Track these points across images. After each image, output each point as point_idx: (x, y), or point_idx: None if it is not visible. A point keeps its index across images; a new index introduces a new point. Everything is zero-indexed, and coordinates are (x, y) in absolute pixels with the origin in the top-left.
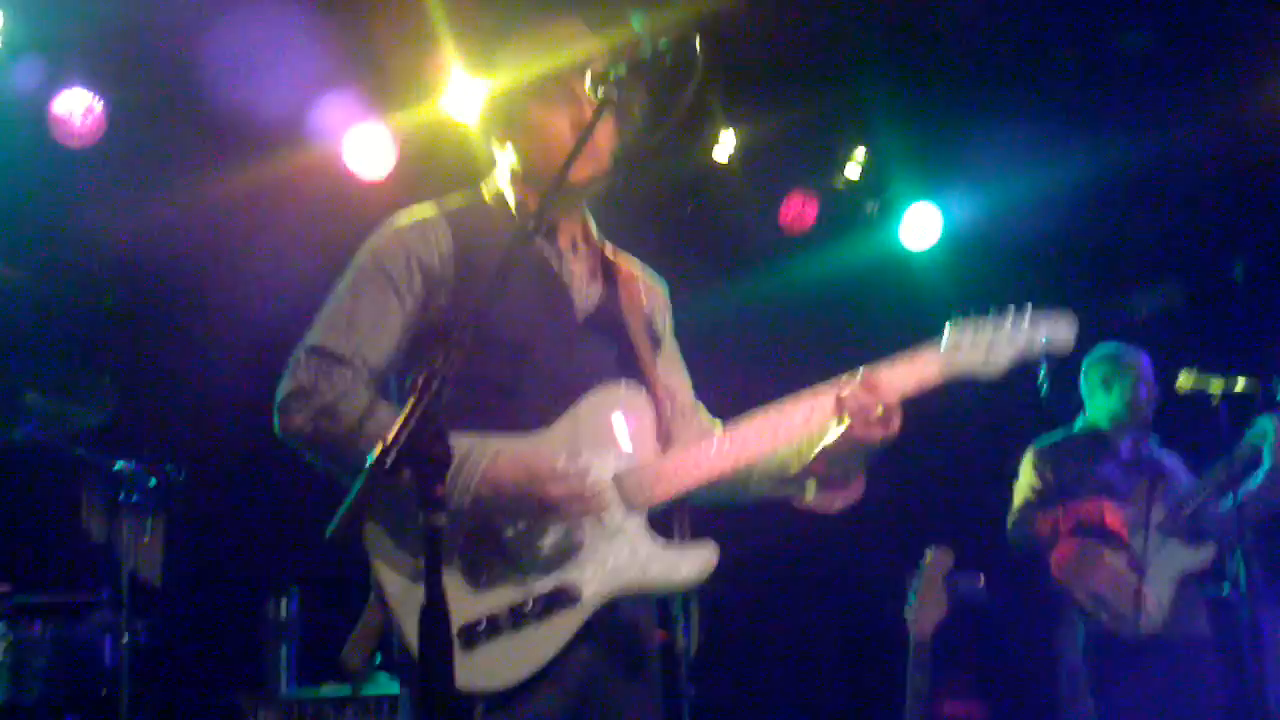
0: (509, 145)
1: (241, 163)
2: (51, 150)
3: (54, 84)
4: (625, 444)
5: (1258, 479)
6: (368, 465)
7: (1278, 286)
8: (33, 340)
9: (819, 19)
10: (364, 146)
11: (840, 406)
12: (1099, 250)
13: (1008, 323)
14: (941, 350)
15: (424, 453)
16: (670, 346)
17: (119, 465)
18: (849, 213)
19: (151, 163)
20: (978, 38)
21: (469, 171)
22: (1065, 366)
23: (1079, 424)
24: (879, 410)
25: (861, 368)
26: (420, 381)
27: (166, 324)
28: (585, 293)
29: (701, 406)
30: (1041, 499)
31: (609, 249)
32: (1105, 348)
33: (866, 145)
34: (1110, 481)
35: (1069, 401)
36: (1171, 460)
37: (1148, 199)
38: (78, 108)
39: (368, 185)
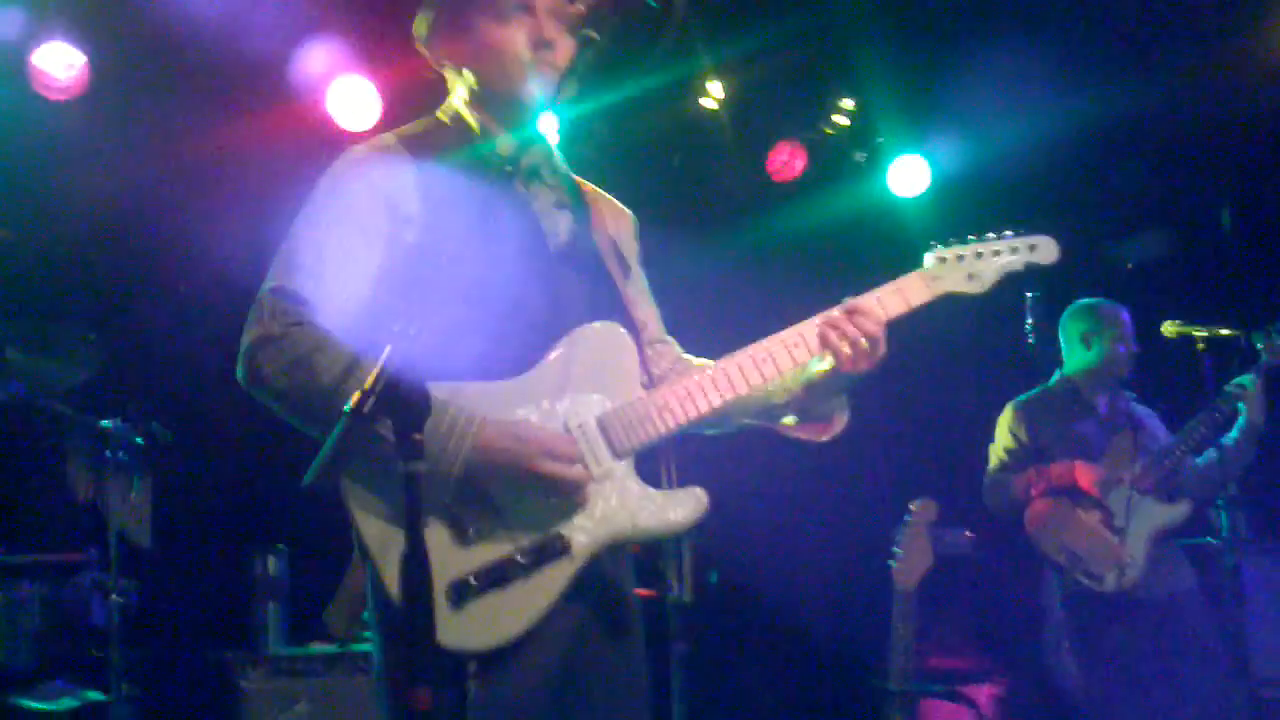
0: (465, 68)
1: (224, 116)
2: (33, 103)
3: (34, 36)
4: (608, 385)
5: (1234, 434)
6: (345, 412)
7: (1265, 235)
8: (14, 297)
9: None
10: (348, 97)
11: (825, 337)
12: (1085, 199)
13: (990, 242)
14: (924, 271)
15: (402, 400)
16: (638, 276)
17: (105, 423)
18: (837, 161)
19: (134, 117)
20: None
21: None
22: (1051, 316)
23: (1055, 379)
24: (863, 340)
25: (846, 298)
26: (397, 329)
27: (150, 280)
28: (556, 223)
29: (673, 340)
30: (1016, 459)
31: (576, 178)
32: (1085, 302)
33: (854, 94)
34: (1086, 438)
35: (1056, 352)
36: (1148, 416)
37: (1135, 147)
38: (59, 61)
39: (352, 137)
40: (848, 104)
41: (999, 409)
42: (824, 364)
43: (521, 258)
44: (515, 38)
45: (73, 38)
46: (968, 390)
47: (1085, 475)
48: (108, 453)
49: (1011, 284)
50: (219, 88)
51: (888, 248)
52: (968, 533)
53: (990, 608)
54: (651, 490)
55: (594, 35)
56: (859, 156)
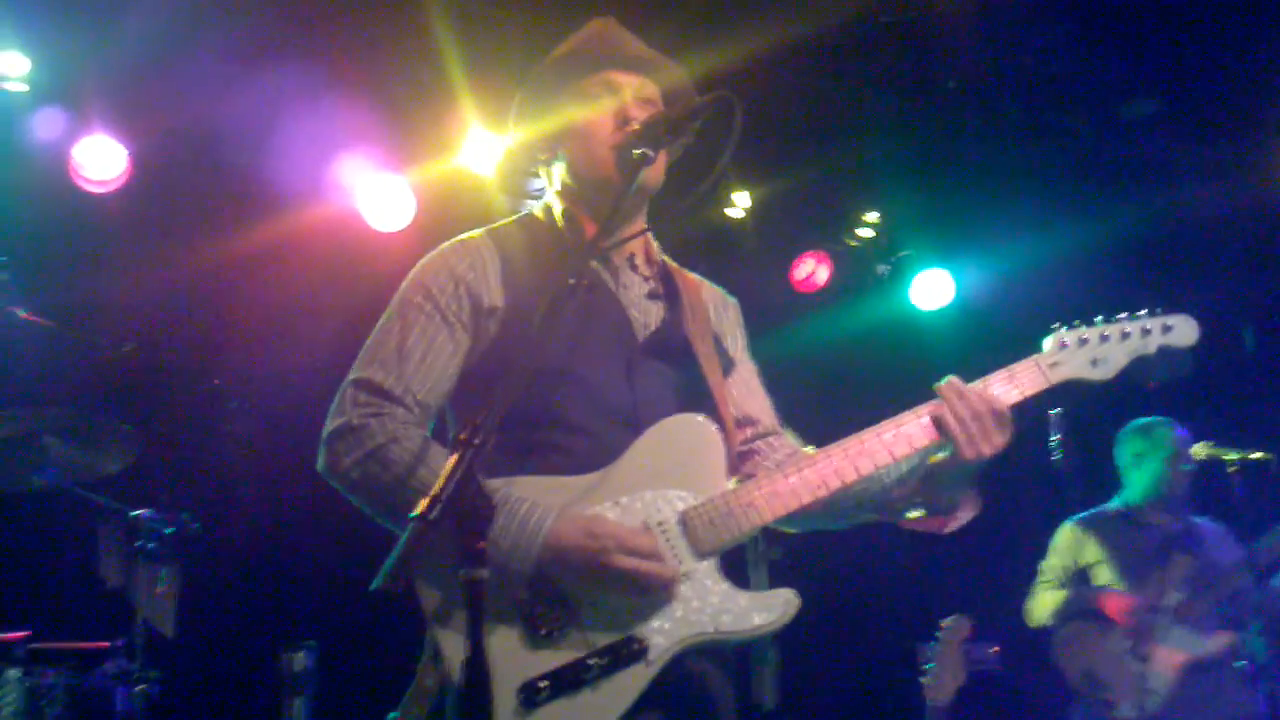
0: (556, 158)
1: (261, 212)
2: (76, 197)
3: (78, 130)
4: (692, 480)
5: None
6: (412, 517)
7: None
8: (54, 386)
9: (834, 82)
10: (382, 198)
11: (941, 423)
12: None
13: (1118, 324)
14: (1042, 356)
15: (466, 507)
16: (746, 369)
17: (136, 512)
18: (861, 272)
19: (173, 210)
20: (990, 103)
21: (487, 222)
22: (1076, 433)
23: (1113, 500)
24: (975, 427)
25: (954, 380)
26: (464, 434)
27: (187, 373)
28: (645, 313)
29: (790, 431)
30: (1062, 580)
31: (674, 267)
32: (1137, 422)
33: (879, 208)
34: (1134, 563)
35: (1086, 469)
36: (1217, 540)
37: (1157, 265)
38: (102, 154)
39: (386, 237)
40: (872, 217)
41: (1026, 525)
42: (941, 453)
43: (604, 349)
44: (602, 117)
45: (115, 133)
46: (995, 505)
47: (1114, 604)
48: (138, 542)
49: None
50: (257, 185)
51: (909, 361)
52: (994, 648)
53: None
54: (736, 591)
55: (648, 152)
56: (882, 269)
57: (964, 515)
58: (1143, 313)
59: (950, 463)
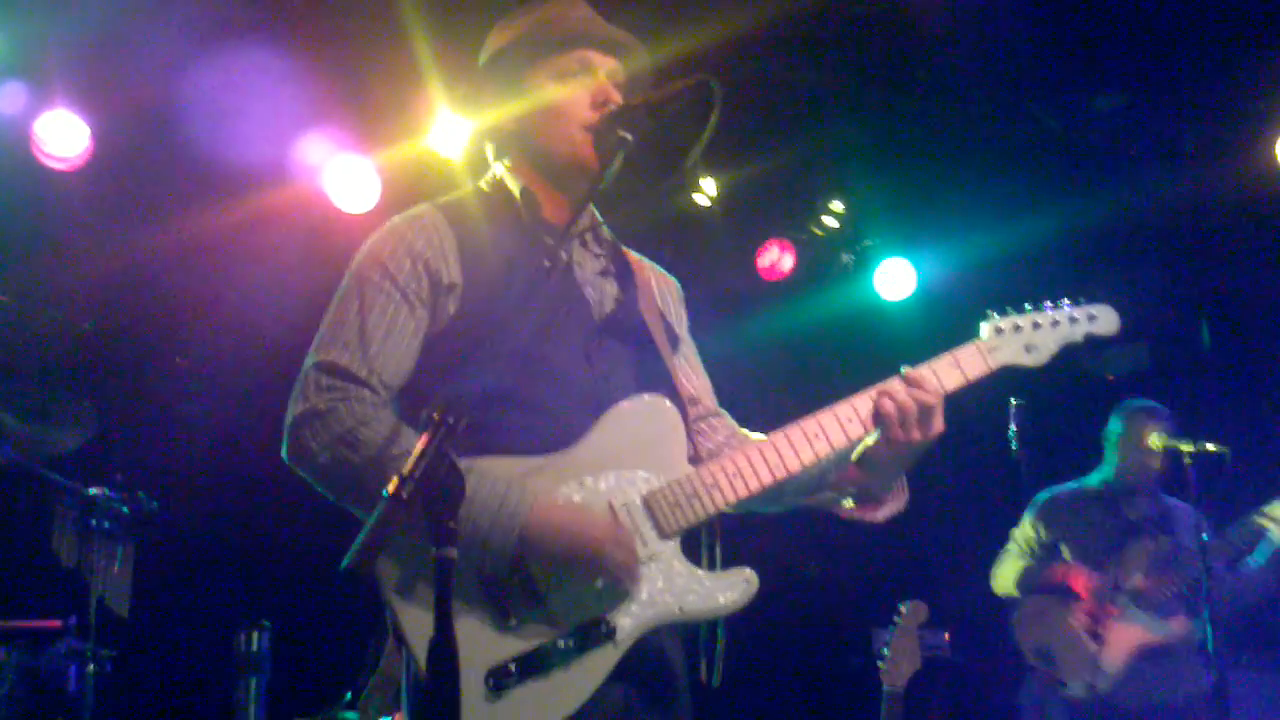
0: (521, 132)
1: (225, 192)
2: (35, 171)
3: (39, 105)
4: (654, 461)
5: (1259, 559)
6: (384, 496)
7: (1243, 351)
8: (10, 361)
9: (802, 70)
10: (347, 179)
11: (879, 405)
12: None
13: (1048, 313)
14: (981, 343)
15: (438, 486)
16: (688, 347)
17: (92, 490)
18: (825, 261)
19: (136, 188)
20: (958, 93)
21: None
22: (1034, 425)
23: (1095, 475)
24: (914, 409)
25: (903, 367)
26: (437, 412)
27: (145, 351)
28: (600, 291)
29: (726, 414)
30: (1028, 550)
31: (620, 245)
32: (1132, 402)
33: (844, 197)
34: (1101, 541)
35: (1043, 460)
36: (1186, 517)
37: (1115, 258)
38: (64, 130)
39: (351, 219)
40: (837, 206)
41: (977, 512)
42: (874, 436)
43: (564, 327)
44: (577, 97)
45: (76, 108)
46: (946, 492)
47: (1080, 580)
48: (93, 520)
49: (1007, 376)
50: (220, 163)
51: (872, 349)
52: (944, 634)
53: (970, 709)
54: (699, 571)
55: (628, 137)
56: (846, 258)
57: (893, 505)
58: (1065, 302)
59: (884, 450)
